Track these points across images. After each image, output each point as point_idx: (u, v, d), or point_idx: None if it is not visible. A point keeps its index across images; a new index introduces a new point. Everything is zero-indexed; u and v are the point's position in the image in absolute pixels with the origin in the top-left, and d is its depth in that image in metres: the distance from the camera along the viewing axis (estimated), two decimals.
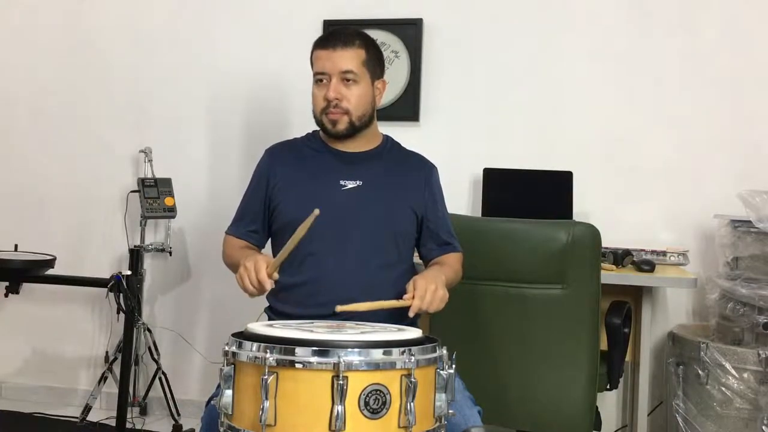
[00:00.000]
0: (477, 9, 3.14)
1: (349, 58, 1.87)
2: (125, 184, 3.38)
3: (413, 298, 1.67)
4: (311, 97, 1.92)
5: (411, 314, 1.67)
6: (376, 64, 1.94)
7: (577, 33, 3.06)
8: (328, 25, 3.21)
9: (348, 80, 1.87)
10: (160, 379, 3.13)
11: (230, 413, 1.32)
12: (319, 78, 1.89)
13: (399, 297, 1.89)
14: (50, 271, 2.89)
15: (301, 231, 1.64)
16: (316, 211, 1.61)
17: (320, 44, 1.91)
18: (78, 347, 3.48)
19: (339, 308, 1.65)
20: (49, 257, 2.89)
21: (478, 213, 2.96)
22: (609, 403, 3.01)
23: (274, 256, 1.97)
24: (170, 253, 3.27)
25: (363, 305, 1.68)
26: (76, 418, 3.06)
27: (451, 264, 1.94)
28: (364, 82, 1.90)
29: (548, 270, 2.09)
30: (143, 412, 3.26)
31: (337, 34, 1.91)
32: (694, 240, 2.94)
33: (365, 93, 1.90)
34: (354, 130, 1.91)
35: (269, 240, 2.03)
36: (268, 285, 1.66)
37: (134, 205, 3.26)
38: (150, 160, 3.25)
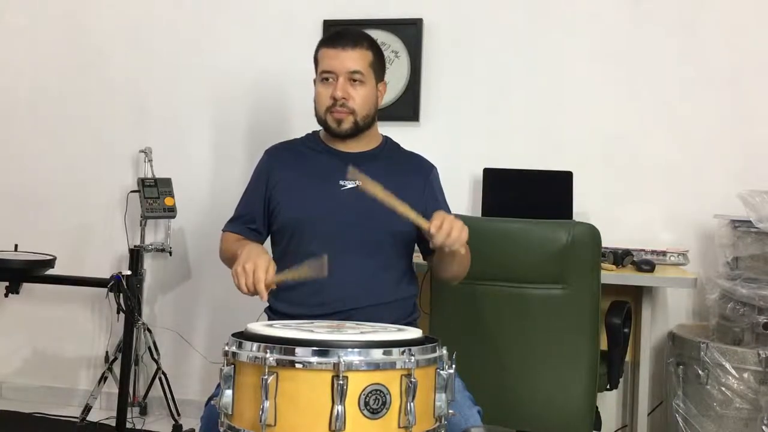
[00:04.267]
0: (477, 9, 3.14)
1: (358, 59, 1.87)
2: (125, 184, 3.38)
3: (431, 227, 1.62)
4: (315, 95, 1.92)
5: (435, 241, 1.62)
6: (380, 66, 1.95)
7: (577, 33, 3.06)
8: (328, 25, 3.21)
9: (355, 80, 1.88)
10: (160, 379, 3.13)
11: (230, 413, 1.32)
12: (326, 77, 1.89)
13: (398, 298, 1.89)
14: (50, 271, 2.89)
15: (307, 272, 1.62)
16: (325, 258, 1.59)
17: (328, 43, 1.91)
18: (78, 347, 3.48)
19: (351, 170, 1.63)
20: (49, 257, 2.89)
21: (478, 213, 2.96)
22: (609, 403, 3.01)
23: (274, 257, 1.98)
24: (170, 253, 3.27)
25: (379, 190, 1.63)
26: (76, 418, 3.06)
27: None
28: (369, 84, 1.90)
29: (548, 270, 2.09)
30: (143, 412, 3.26)
31: (344, 34, 1.92)
32: (694, 240, 2.94)
33: (370, 94, 1.91)
34: (357, 130, 1.92)
35: (268, 240, 2.02)
36: (265, 297, 1.63)
37: (134, 205, 3.26)
38: (150, 160, 3.25)
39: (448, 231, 1.62)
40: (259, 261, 1.63)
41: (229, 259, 1.91)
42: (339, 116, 1.89)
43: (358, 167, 1.93)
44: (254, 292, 1.64)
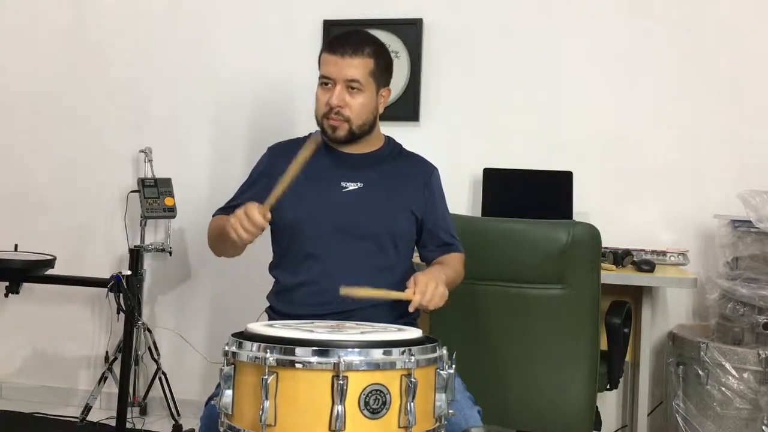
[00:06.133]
0: (477, 9, 3.14)
1: (357, 67, 1.85)
2: (125, 184, 3.38)
3: (414, 293, 1.66)
4: (315, 97, 1.92)
5: (411, 309, 1.67)
6: (383, 72, 1.92)
7: (577, 33, 3.06)
8: (328, 25, 3.21)
9: (353, 88, 1.86)
10: (160, 379, 3.13)
11: (230, 413, 1.32)
12: (324, 81, 1.88)
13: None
14: (50, 271, 2.89)
15: (302, 157, 1.64)
16: (318, 138, 1.60)
17: (330, 48, 1.89)
18: (78, 347, 3.48)
19: (343, 290, 1.63)
20: (49, 257, 2.89)
21: (478, 213, 2.96)
22: (609, 403, 3.01)
23: (275, 257, 1.98)
24: (170, 253, 3.27)
25: (366, 291, 1.66)
26: (76, 418, 3.06)
27: (451, 264, 1.93)
28: (368, 92, 1.88)
29: (548, 270, 2.09)
30: (143, 412, 3.26)
31: (348, 39, 1.89)
32: (694, 240, 2.94)
33: (368, 102, 1.89)
34: (353, 138, 1.90)
35: (268, 239, 2.02)
36: (265, 224, 1.65)
37: (134, 205, 3.26)
38: (150, 160, 3.25)
39: (428, 300, 1.67)
40: (246, 204, 1.66)
41: (217, 234, 1.89)
42: (334, 123, 1.88)
43: (359, 169, 1.94)
44: (254, 231, 1.64)
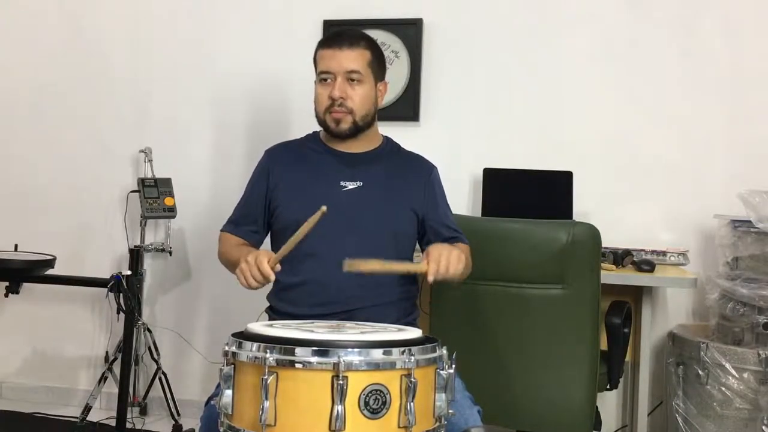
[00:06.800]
0: (477, 9, 3.14)
1: (355, 58, 1.88)
2: (125, 184, 3.38)
3: (428, 263, 1.62)
4: (314, 96, 1.93)
5: (430, 279, 1.62)
6: (379, 65, 1.95)
7: (577, 33, 3.06)
8: (328, 25, 3.21)
9: (353, 80, 1.88)
10: (160, 379, 3.13)
11: (230, 413, 1.32)
12: (324, 77, 1.90)
13: (398, 298, 1.89)
14: (50, 271, 2.89)
15: (307, 227, 1.61)
16: (324, 208, 1.56)
17: (326, 44, 1.92)
18: (78, 347, 3.48)
19: (347, 264, 1.59)
20: (49, 257, 2.89)
21: (478, 213, 2.96)
22: (609, 403, 3.01)
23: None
24: (170, 253, 3.27)
25: (374, 264, 1.62)
26: (76, 418, 3.06)
27: (459, 246, 1.92)
28: (368, 83, 1.91)
29: (548, 270, 2.09)
30: (143, 412, 3.26)
31: (342, 34, 1.92)
32: (694, 240, 2.94)
33: (369, 93, 1.91)
34: (357, 130, 1.92)
35: (268, 239, 2.02)
36: (272, 276, 1.65)
37: (134, 205, 3.26)
38: (150, 160, 3.25)
39: (445, 267, 1.62)
40: (258, 252, 1.68)
41: (229, 263, 1.91)
42: (337, 116, 1.89)
43: (358, 168, 1.95)
44: (261, 281, 1.65)
